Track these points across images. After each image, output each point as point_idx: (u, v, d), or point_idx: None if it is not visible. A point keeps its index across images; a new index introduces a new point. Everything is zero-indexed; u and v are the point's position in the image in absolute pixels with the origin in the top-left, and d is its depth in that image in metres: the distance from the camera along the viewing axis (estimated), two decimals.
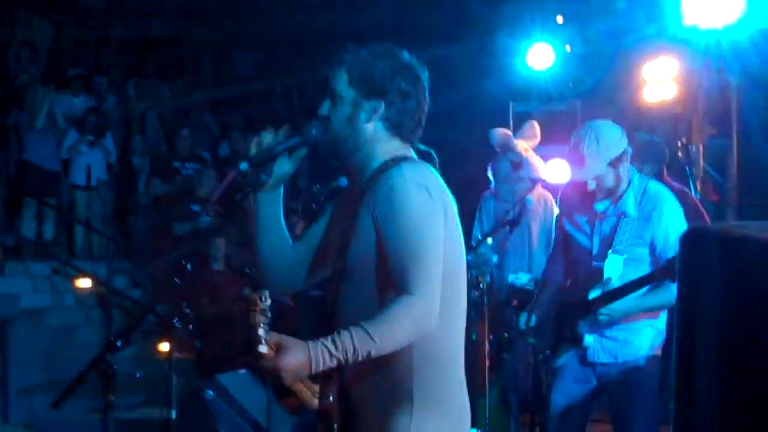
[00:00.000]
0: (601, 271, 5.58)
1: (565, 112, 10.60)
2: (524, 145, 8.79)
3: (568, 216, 5.93)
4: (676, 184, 7.02)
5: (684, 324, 2.58)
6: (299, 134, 3.42)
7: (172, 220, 13.35)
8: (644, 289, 5.41)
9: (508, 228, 8.04)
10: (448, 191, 3.36)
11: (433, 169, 3.38)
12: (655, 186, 5.65)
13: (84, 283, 12.98)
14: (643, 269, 5.46)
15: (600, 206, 5.67)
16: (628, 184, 5.58)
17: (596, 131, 5.60)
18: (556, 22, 10.40)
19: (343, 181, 3.77)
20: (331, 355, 2.99)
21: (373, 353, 3.04)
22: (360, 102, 3.37)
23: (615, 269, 5.55)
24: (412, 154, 3.44)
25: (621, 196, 5.58)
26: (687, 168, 9.07)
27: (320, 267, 3.58)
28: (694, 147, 9.34)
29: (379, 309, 3.14)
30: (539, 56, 10.51)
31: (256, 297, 2.93)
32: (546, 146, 9.08)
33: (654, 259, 5.46)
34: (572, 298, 5.70)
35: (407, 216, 3.15)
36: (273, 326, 2.97)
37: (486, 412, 7.32)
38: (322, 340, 3.00)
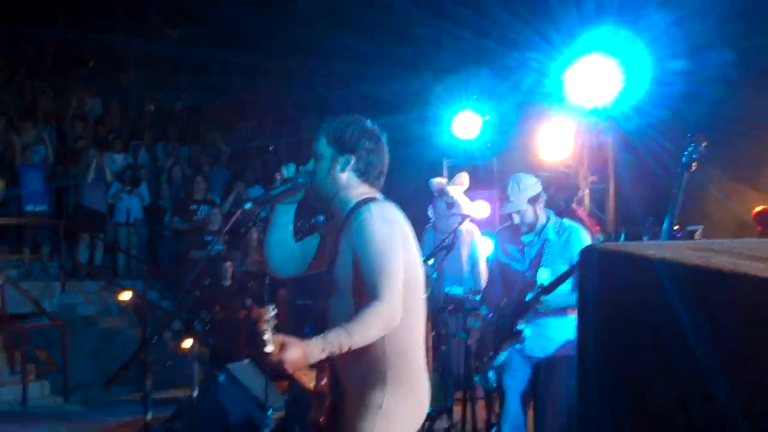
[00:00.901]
0: (534, 281, 5.62)
1: (485, 166, 10.64)
2: (455, 190, 8.80)
3: (503, 250, 6.00)
4: (581, 210, 7.06)
5: (581, 319, 2.60)
6: (290, 182, 3.47)
7: (191, 248, 13.30)
8: (569, 288, 5.49)
9: (444, 252, 8.03)
10: (406, 222, 3.41)
11: (393, 204, 3.43)
12: (567, 221, 5.77)
13: (125, 296, 12.90)
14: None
15: (526, 238, 5.77)
16: (547, 219, 5.71)
17: (517, 178, 5.75)
18: (477, 96, 10.41)
19: (320, 218, 3.84)
20: (322, 350, 3.03)
21: (354, 346, 3.07)
22: (336, 157, 3.43)
23: (545, 278, 5.61)
24: (380, 195, 3.48)
25: (543, 229, 5.68)
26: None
27: (316, 267, 3.66)
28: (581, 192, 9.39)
29: (355, 312, 3.16)
30: (464, 124, 10.52)
31: (263, 311, 2.95)
32: (471, 191, 9.11)
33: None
34: (510, 307, 5.73)
35: (374, 243, 3.21)
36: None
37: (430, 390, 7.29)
38: (314, 338, 3.04)
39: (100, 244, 14.59)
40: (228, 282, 10.77)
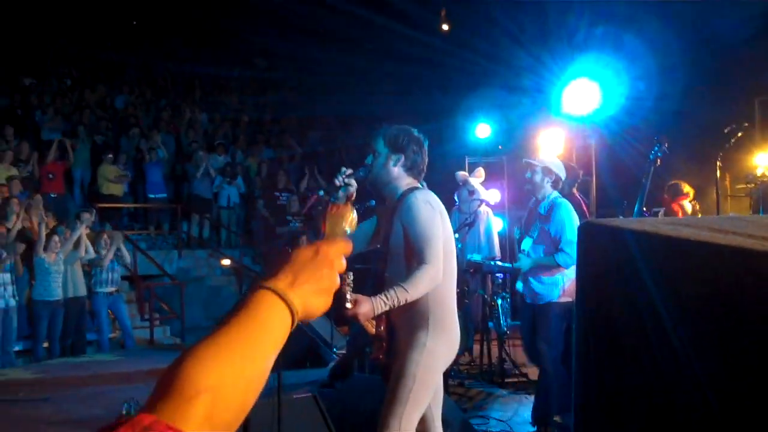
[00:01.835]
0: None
1: (496, 163, 10.64)
2: (475, 181, 8.81)
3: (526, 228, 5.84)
4: (580, 196, 7.01)
5: (578, 278, 2.63)
6: (354, 174, 3.48)
7: (276, 225, 13.42)
8: (541, 254, 5.49)
9: (466, 228, 8.06)
10: (441, 204, 3.42)
11: (432, 193, 3.45)
12: (557, 198, 5.51)
13: (226, 261, 13.05)
14: (544, 247, 5.47)
15: (533, 204, 5.68)
16: (548, 196, 5.51)
17: (553, 163, 5.65)
18: (491, 109, 10.39)
19: (372, 202, 3.86)
20: (384, 304, 3.11)
21: (408, 300, 3.15)
22: (390, 155, 3.46)
23: (527, 245, 5.60)
24: (421, 184, 3.51)
25: (542, 202, 5.53)
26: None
27: (373, 243, 3.65)
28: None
29: (407, 273, 3.23)
30: (481, 130, 10.53)
31: (345, 275, 2.94)
32: (486, 182, 9.11)
33: (551, 240, 5.40)
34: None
35: (420, 220, 3.26)
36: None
37: None
38: (379, 295, 3.11)
39: (207, 222, 14.71)
40: None
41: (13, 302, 9.10)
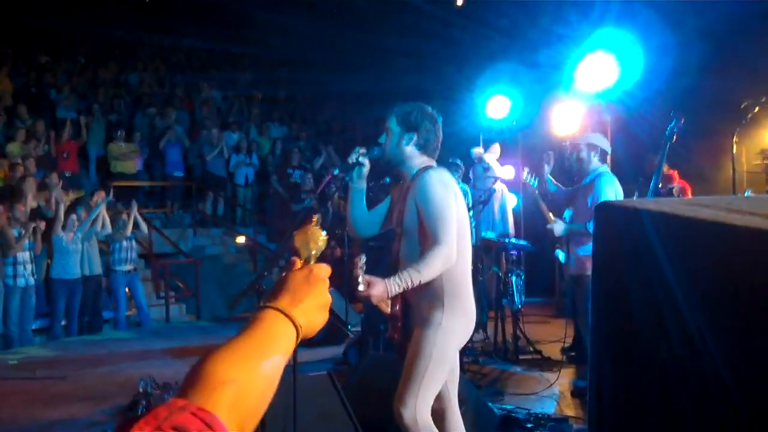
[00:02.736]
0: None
1: (511, 139, 10.56)
2: (490, 158, 8.78)
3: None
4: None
5: (594, 257, 2.62)
6: (368, 153, 3.48)
7: (290, 202, 13.43)
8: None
9: (481, 205, 8.04)
10: (455, 183, 3.40)
11: (447, 171, 3.42)
12: (601, 168, 5.84)
13: (241, 239, 13.10)
14: (584, 215, 5.69)
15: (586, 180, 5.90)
16: (593, 170, 5.82)
17: (594, 136, 5.99)
18: (505, 84, 10.29)
19: (387, 180, 3.86)
20: (398, 285, 3.12)
21: (423, 280, 3.16)
22: (403, 133, 3.43)
23: (568, 215, 5.95)
24: (434, 164, 3.47)
25: (586, 176, 5.84)
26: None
27: (387, 225, 3.64)
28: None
29: (421, 254, 3.22)
30: (497, 107, 10.45)
31: (357, 259, 3.06)
32: (501, 158, 9.07)
33: (586, 209, 5.65)
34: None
35: (433, 200, 3.24)
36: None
37: None
38: (393, 277, 3.13)
39: (221, 200, 14.76)
40: None
41: (32, 280, 9.19)
